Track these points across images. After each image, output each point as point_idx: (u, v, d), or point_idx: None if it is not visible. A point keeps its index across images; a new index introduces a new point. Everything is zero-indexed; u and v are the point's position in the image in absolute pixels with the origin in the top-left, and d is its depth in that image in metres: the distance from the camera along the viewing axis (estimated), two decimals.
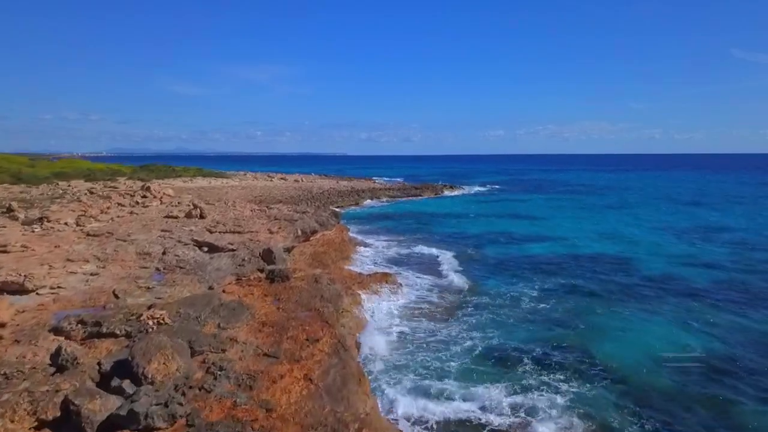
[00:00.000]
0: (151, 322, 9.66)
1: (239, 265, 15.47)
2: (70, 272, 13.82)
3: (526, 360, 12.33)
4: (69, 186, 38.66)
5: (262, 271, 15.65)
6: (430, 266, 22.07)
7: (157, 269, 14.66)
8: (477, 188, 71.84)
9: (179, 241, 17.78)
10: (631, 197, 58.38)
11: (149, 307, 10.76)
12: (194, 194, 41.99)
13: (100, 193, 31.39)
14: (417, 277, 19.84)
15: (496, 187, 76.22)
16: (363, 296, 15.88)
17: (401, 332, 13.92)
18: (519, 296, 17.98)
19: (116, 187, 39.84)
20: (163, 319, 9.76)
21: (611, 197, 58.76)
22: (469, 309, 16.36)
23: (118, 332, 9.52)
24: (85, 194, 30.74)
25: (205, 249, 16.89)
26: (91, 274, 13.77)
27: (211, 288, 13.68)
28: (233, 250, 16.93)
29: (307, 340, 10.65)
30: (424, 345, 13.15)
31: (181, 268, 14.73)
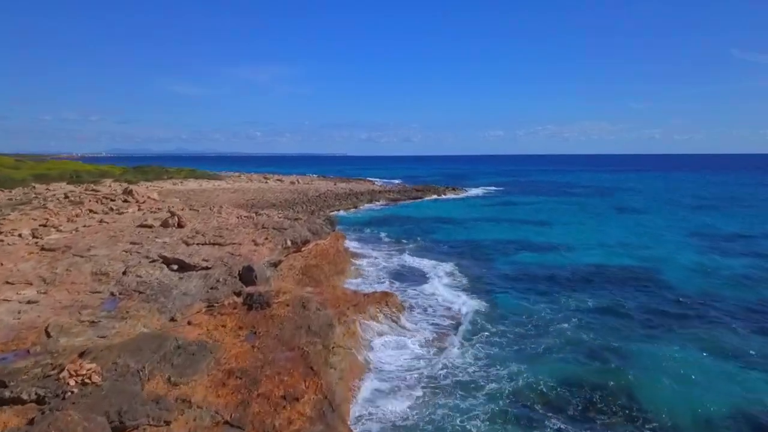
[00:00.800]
0: (72, 382, 7.23)
1: (212, 288, 13.02)
2: (3, 300, 11.38)
3: (563, 411, 9.96)
4: (47, 189, 36.16)
5: (239, 294, 13.23)
6: (437, 282, 19.63)
7: (112, 294, 12.20)
8: (479, 190, 69.60)
9: (146, 257, 15.33)
10: (637, 200, 56.23)
11: (81, 355, 8.33)
12: (182, 198, 39.52)
13: (73, 198, 28.87)
14: (422, 296, 17.42)
15: (499, 188, 73.97)
16: (359, 323, 13.44)
17: (407, 372, 11.46)
18: (540, 319, 15.60)
19: (98, 191, 37.34)
20: (89, 377, 7.33)
21: (617, 200, 56.53)
22: (487, 337, 13.97)
23: (26, 397, 7.09)
24: (57, 199, 28.26)
25: (175, 267, 14.44)
26: (29, 302, 11.31)
27: (173, 319, 11.24)
28: (207, 268, 14.46)
29: (284, 397, 8.24)
30: (437, 391, 10.72)
31: (140, 292, 12.27)
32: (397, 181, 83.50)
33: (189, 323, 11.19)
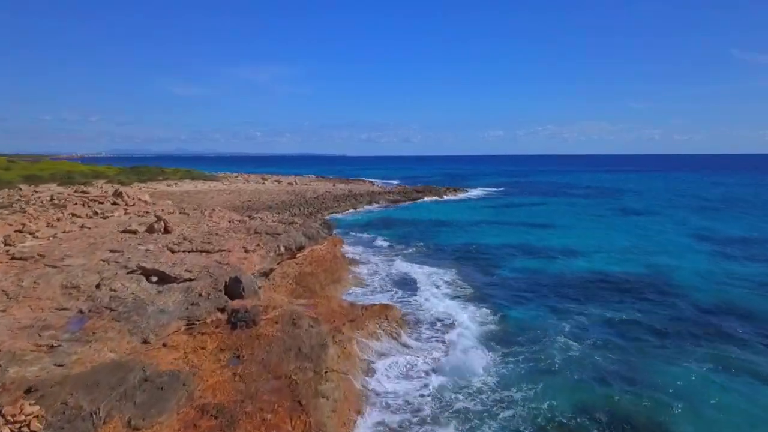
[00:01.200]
0: (8, 431, 6.01)
1: (192, 304, 11.78)
2: None
3: None
4: (34, 191, 34.91)
5: (223, 310, 12.01)
6: (440, 290, 18.41)
7: (81, 312, 10.97)
8: (479, 191, 68.46)
9: (125, 267, 14.09)
10: (638, 201, 55.03)
11: (27, 391, 7.10)
12: (175, 200, 38.33)
13: (57, 201, 27.59)
14: (425, 309, 16.16)
15: (499, 189, 72.82)
16: (356, 342, 12.20)
17: (411, 401, 10.20)
18: (552, 334, 14.37)
19: (87, 192, 36.11)
20: (28, 424, 6.10)
21: (619, 201, 55.31)
22: (498, 354, 12.77)
23: None
24: (41, 202, 26.98)
25: (154, 279, 13.20)
26: None
27: (146, 341, 10.00)
28: (191, 279, 13.23)
29: None
30: (450, 420, 9.52)
31: (112, 309, 11.04)
32: (396, 182, 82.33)
33: (164, 345, 9.97)
